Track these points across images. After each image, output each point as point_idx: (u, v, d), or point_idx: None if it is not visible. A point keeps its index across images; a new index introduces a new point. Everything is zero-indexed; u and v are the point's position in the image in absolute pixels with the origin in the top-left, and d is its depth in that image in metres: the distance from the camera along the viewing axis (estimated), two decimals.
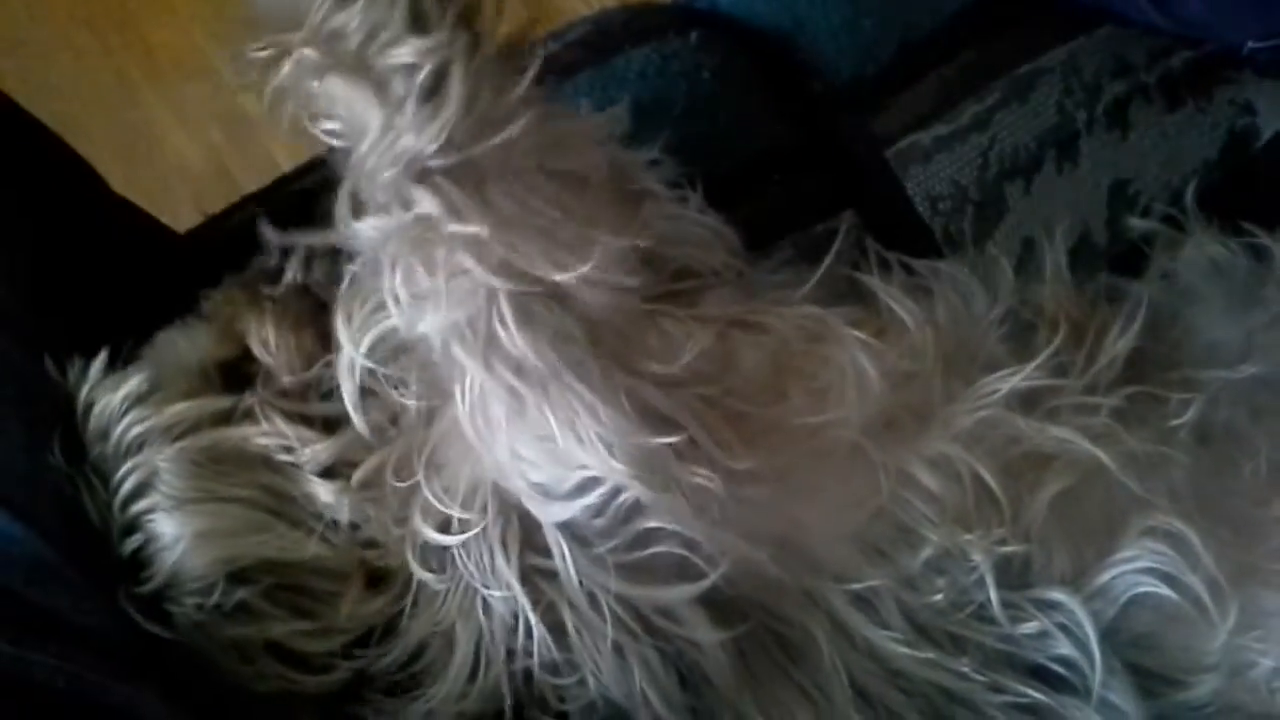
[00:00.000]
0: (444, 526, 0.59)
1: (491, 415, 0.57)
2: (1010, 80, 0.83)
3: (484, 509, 0.59)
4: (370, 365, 0.61)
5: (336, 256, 0.69)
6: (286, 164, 1.51)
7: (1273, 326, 0.73)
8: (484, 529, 0.58)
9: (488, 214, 0.56)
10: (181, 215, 1.32)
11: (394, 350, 0.62)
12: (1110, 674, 0.60)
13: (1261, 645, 0.61)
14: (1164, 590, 0.60)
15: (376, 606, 0.60)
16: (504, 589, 0.58)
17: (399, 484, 0.61)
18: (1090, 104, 0.83)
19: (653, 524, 0.58)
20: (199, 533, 0.59)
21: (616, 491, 0.57)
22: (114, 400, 0.63)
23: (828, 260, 0.70)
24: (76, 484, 0.62)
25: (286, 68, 0.60)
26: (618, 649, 0.57)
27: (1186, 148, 0.84)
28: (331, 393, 0.65)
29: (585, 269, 0.57)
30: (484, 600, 0.58)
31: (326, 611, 0.60)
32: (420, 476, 0.60)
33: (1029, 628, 0.60)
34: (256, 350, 0.67)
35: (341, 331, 0.62)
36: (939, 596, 0.60)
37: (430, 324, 0.58)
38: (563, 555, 0.57)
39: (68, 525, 0.61)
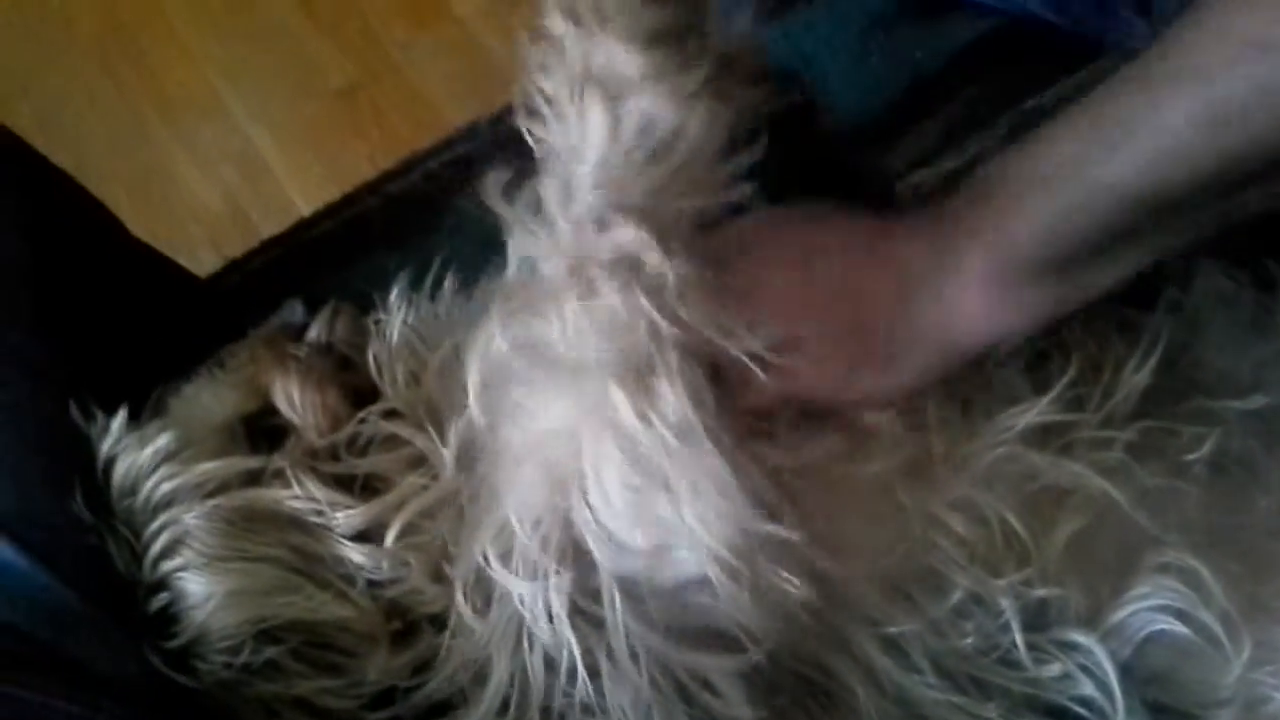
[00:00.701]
0: (504, 559, 0.59)
1: (601, 452, 0.58)
2: (1017, 114, 0.84)
3: (546, 543, 0.58)
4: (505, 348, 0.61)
5: (362, 313, 0.70)
6: (302, 203, 1.55)
7: None
8: (546, 566, 0.58)
9: (675, 263, 0.58)
10: (198, 255, 1.34)
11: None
12: (1130, 713, 0.60)
13: (1276, 680, 0.61)
14: (1178, 627, 0.60)
15: (404, 662, 0.61)
16: (553, 629, 0.58)
17: (449, 523, 0.62)
18: None
19: (712, 600, 0.58)
20: (229, 592, 0.60)
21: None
22: (142, 457, 0.64)
23: None
24: (101, 534, 0.62)
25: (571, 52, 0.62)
26: (649, 706, 0.58)
27: None
28: (364, 448, 0.65)
29: (753, 345, 0.59)
30: (528, 636, 0.59)
31: (354, 668, 0.61)
32: (483, 507, 0.61)
33: (1051, 670, 0.61)
34: (283, 409, 0.67)
35: (494, 316, 0.62)
36: (967, 641, 0.61)
37: (589, 348, 0.59)
38: (613, 605, 0.58)
39: (92, 573, 0.62)
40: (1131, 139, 0.57)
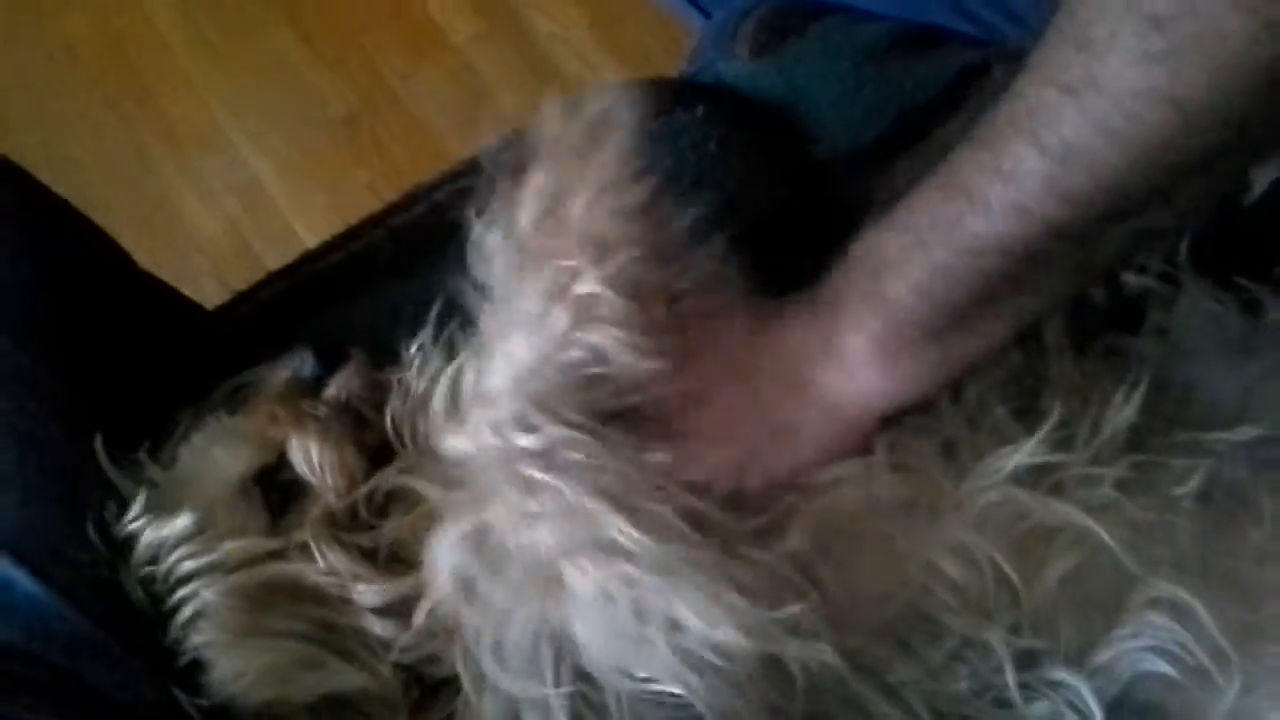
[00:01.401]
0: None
1: (600, 607, 0.58)
2: None
3: (544, 663, 0.59)
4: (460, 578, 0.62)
5: (371, 349, 0.71)
6: (304, 233, 1.57)
7: (1268, 377, 0.74)
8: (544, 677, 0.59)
9: (602, 453, 0.59)
10: (201, 286, 1.36)
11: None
12: None
13: (1270, 700, 0.62)
14: (1166, 668, 0.61)
15: None
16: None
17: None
18: None
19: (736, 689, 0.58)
20: (255, 671, 0.61)
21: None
22: (162, 535, 0.64)
23: None
24: (115, 566, 0.63)
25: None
26: None
27: None
28: (382, 505, 0.66)
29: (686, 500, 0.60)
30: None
31: None
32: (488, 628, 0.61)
33: (1040, 708, 0.62)
34: (300, 469, 0.67)
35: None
36: (963, 685, 0.62)
37: (541, 536, 0.59)
38: (617, 700, 0.58)
39: (104, 600, 0.62)
40: (982, 201, 0.58)
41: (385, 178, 1.61)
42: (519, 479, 0.60)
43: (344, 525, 0.66)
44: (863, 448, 0.66)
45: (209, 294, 0.95)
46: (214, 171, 1.65)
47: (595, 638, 0.58)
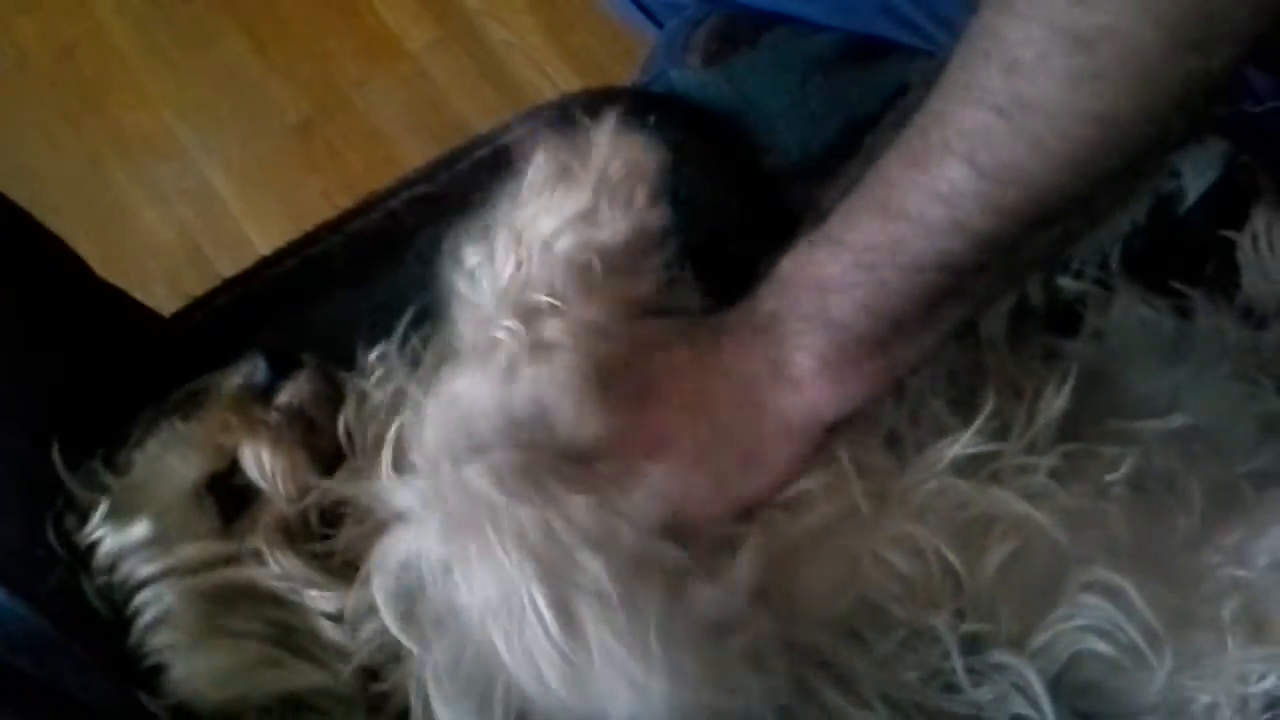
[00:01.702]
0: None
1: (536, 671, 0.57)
2: None
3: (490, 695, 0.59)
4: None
5: (329, 374, 0.72)
6: (258, 239, 1.57)
7: (1199, 378, 0.77)
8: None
9: (530, 509, 0.57)
10: (154, 292, 1.36)
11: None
12: None
13: (1198, 682, 0.64)
14: (1102, 646, 0.63)
15: None
16: None
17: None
18: None
19: None
20: (214, 670, 0.62)
21: None
22: (120, 542, 0.64)
23: None
24: (75, 573, 0.64)
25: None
26: None
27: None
28: (334, 510, 0.67)
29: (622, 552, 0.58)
30: None
31: None
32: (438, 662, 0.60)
33: (988, 692, 0.63)
34: (252, 475, 0.68)
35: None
36: (912, 673, 0.63)
37: (466, 596, 0.58)
38: None
39: (67, 605, 0.63)
40: (923, 222, 0.60)
41: (339, 185, 1.61)
42: (447, 528, 0.59)
43: (296, 531, 0.67)
44: (816, 456, 0.67)
45: (162, 300, 0.95)
46: (167, 178, 1.65)
47: (536, 692, 0.57)
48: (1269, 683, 0.64)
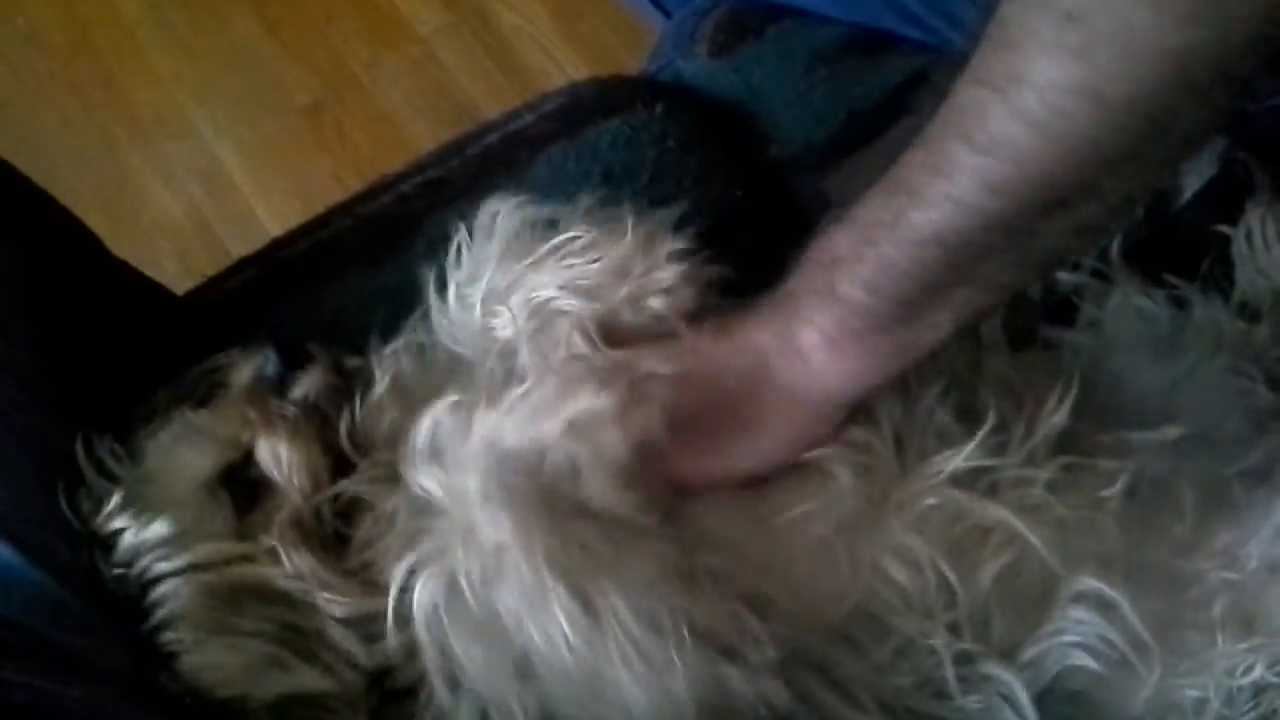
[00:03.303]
0: None
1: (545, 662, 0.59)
2: None
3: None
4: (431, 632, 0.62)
5: (339, 366, 0.72)
6: (267, 219, 1.58)
7: (1194, 372, 0.79)
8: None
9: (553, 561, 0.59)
10: (164, 269, 1.37)
11: None
12: None
13: (1187, 680, 0.65)
14: (1090, 662, 0.65)
15: None
16: None
17: None
18: None
19: None
20: (221, 667, 0.62)
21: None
22: (137, 540, 0.65)
23: None
24: (93, 549, 0.65)
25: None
26: None
27: None
28: (347, 507, 0.68)
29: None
30: None
31: None
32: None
33: (976, 700, 0.65)
34: (267, 468, 0.68)
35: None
36: (906, 680, 0.64)
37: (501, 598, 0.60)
38: None
39: (83, 573, 0.64)
40: (920, 195, 0.61)
41: (348, 166, 1.62)
42: (480, 539, 0.60)
43: (310, 529, 0.67)
44: (826, 437, 0.69)
45: (172, 278, 0.96)
46: (178, 157, 1.65)
47: (557, 690, 0.60)
48: (1256, 673, 0.65)
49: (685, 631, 0.58)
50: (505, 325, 0.68)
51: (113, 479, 0.68)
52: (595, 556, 0.59)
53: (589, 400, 0.61)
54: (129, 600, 0.64)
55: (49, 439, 0.69)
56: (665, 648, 0.58)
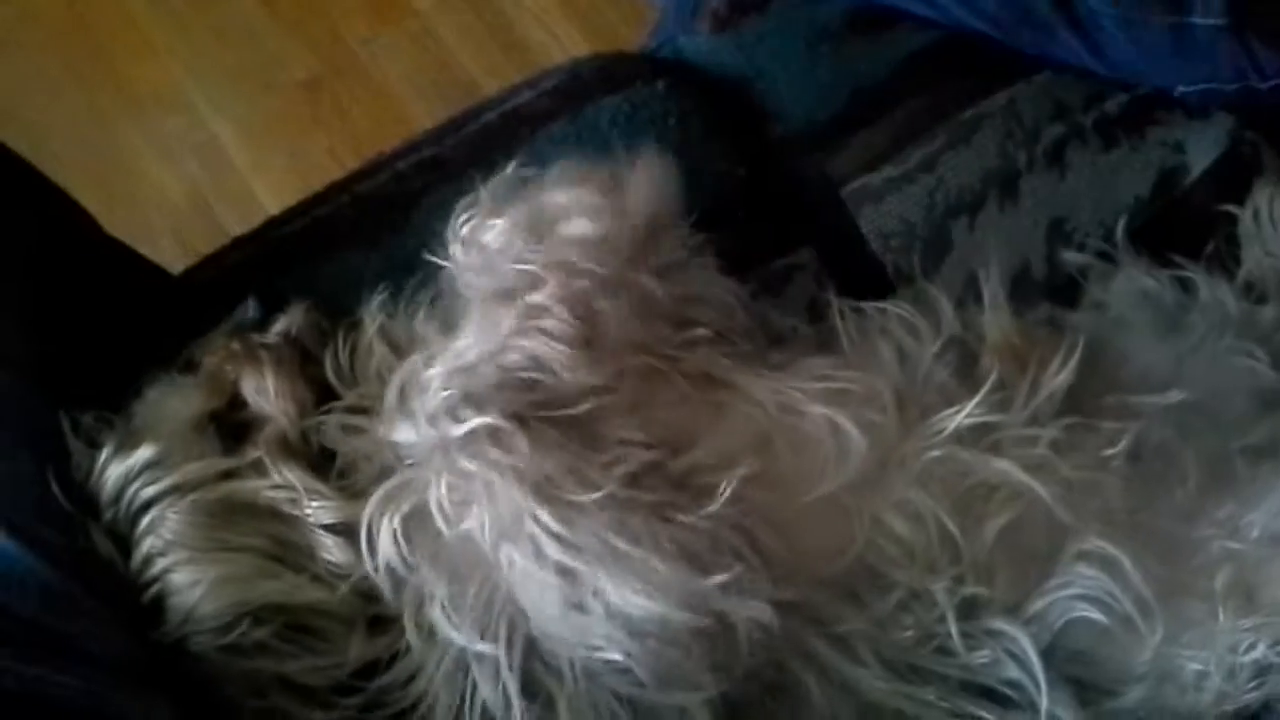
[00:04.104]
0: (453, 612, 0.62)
1: (539, 587, 0.60)
2: (955, 124, 0.88)
3: (497, 628, 0.61)
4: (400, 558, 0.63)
5: (333, 311, 0.73)
6: (263, 195, 1.57)
7: (1198, 351, 0.78)
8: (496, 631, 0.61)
9: (528, 446, 0.62)
10: (160, 246, 1.36)
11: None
12: (1052, 687, 0.64)
13: (1189, 651, 0.65)
14: (1095, 614, 0.65)
15: (383, 644, 0.64)
16: (497, 685, 0.61)
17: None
18: (1030, 146, 0.88)
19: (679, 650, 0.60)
20: (212, 580, 0.62)
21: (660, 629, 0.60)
22: (124, 468, 0.66)
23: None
24: (86, 524, 0.65)
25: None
26: None
27: (1120, 186, 0.88)
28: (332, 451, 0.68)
29: (610, 488, 0.61)
30: (470, 679, 0.61)
31: (335, 650, 0.63)
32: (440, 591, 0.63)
33: (981, 655, 0.65)
34: (251, 399, 0.70)
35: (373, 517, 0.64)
36: (907, 634, 0.65)
37: (474, 523, 0.62)
38: (571, 669, 0.60)
39: (76, 556, 0.63)
40: None
41: (345, 142, 1.61)
42: (451, 466, 0.62)
43: (296, 447, 0.68)
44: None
45: (168, 254, 0.95)
46: (174, 133, 1.64)
47: (537, 612, 0.61)
48: (1258, 652, 0.65)
49: (665, 542, 0.60)
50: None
51: (101, 445, 0.68)
52: (568, 463, 0.61)
53: (527, 297, 0.66)
54: (119, 549, 0.64)
55: (43, 423, 0.68)
56: (644, 558, 0.59)
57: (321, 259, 0.85)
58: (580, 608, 0.60)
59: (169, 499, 0.65)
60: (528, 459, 0.61)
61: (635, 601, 0.59)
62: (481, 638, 0.61)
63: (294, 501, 0.65)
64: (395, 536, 0.63)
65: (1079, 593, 0.65)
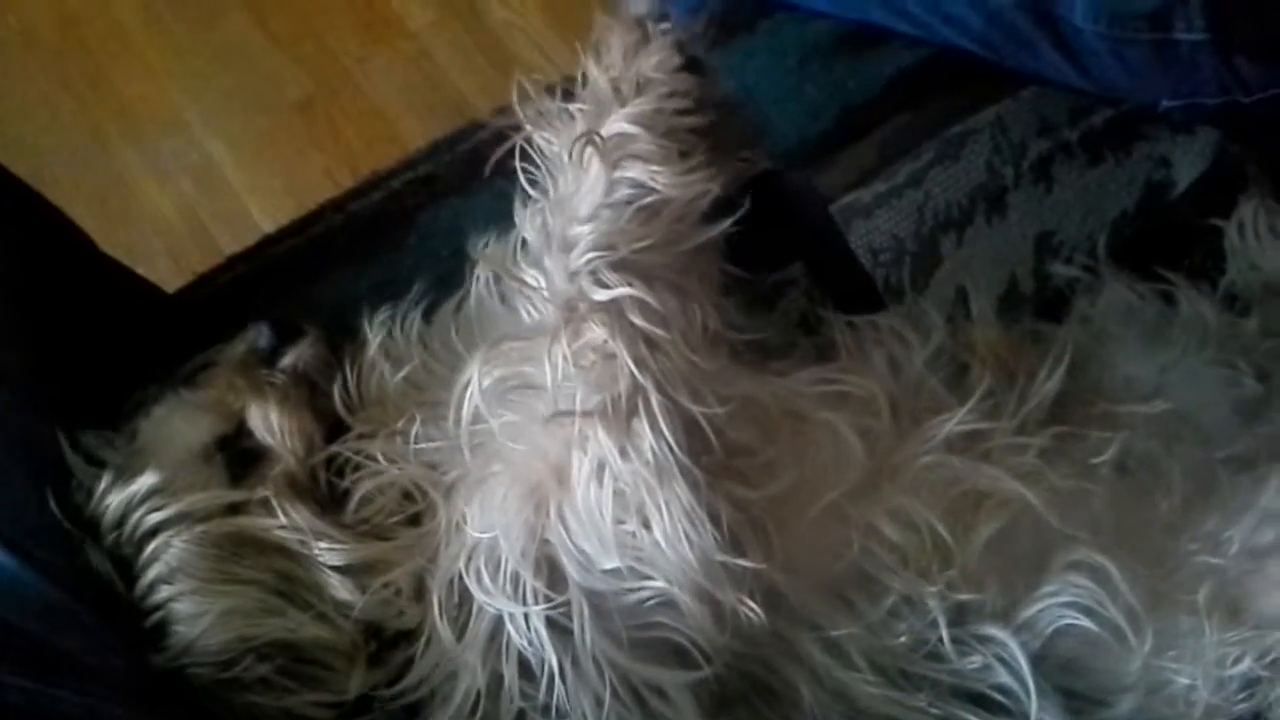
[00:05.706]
0: (482, 575, 0.62)
1: (582, 481, 0.61)
2: (943, 140, 0.89)
3: (524, 559, 0.61)
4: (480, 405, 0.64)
5: (326, 329, 0.73)
6: (259, 215, 1.57)
7: (1180, 362, 0.79)
8: (526, 582, 0.61)
9: (663, 323, 0.63)
10: (156, 266, 1.36)
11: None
12: (1042, 696, 0.65)
13: (1176, 665, 0.66)
14: (1085, 622, 0.65)
15: (382, 676, 0.64)
16: (530, 638, 0.61)
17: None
18: (1017, 161, 0.88)
19: (674, 621, 0.61)
20: (217, 612, 0.63)
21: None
22: (128, 493, 0.66)
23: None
24: (85, 545, 0.65)
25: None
26: (608, 711, 0.61)
27: (1106, 200, 0.88)
28: (340, 469, 0.68)
29: (716, 410, 0.62)
30: (504, 645, 0.62)
31: (335, 683, 0.64)
32: (462, 529, 0.63)
33: (972, 662, 0.65)
34: (259, 434, 0.69)
35: (481, 357, 0.64)
36: (899, 640, 0.65)
37: (576, 390, 0.62)
38: (582, 619, 0.61)
39: (75, 573, 0.64)
40: None
41: (340, 162, 1.62)
42: (579, 328, 0.62)
43: (303, 485, 0.68)
44: None
45: (164, 274, 0.96)
46: (170, 153, 1.65)
47: (577, 517, 0.61)
48: (1245, 665, 0.66)
49: (706, 497, 0.60)
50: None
51: (103, 465, 0.68)
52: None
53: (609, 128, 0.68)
54: (122, 572, 0.65)
55: (42, 440, 0.69)
56: (697, 511, 0.60)
57: (317, 277, 0.86)
58: (617, 518, 0.60)
59: (175, 527, 0.65)
60: (659, 345, 0.62)
61: (666, 537, 0.60)
62: (514, 595, 0.61)
63: (302, 542, 0.66)
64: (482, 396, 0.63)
65: (1069, 600, 0.66)
